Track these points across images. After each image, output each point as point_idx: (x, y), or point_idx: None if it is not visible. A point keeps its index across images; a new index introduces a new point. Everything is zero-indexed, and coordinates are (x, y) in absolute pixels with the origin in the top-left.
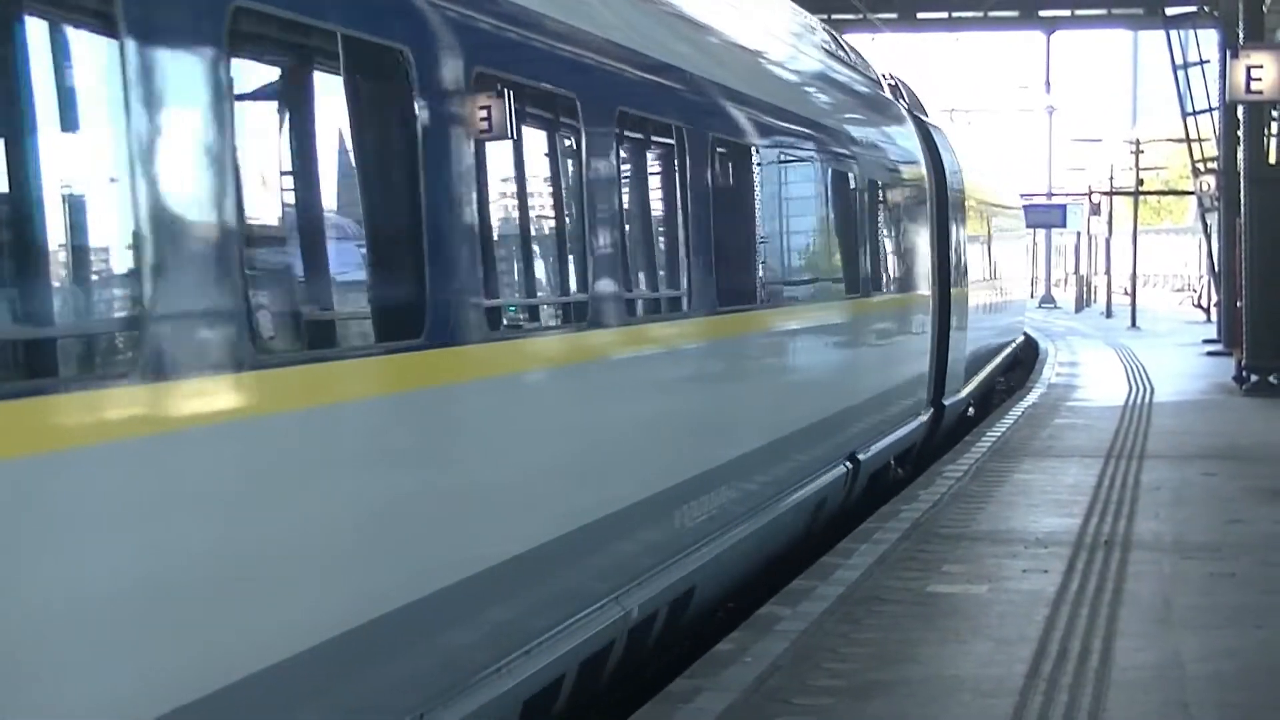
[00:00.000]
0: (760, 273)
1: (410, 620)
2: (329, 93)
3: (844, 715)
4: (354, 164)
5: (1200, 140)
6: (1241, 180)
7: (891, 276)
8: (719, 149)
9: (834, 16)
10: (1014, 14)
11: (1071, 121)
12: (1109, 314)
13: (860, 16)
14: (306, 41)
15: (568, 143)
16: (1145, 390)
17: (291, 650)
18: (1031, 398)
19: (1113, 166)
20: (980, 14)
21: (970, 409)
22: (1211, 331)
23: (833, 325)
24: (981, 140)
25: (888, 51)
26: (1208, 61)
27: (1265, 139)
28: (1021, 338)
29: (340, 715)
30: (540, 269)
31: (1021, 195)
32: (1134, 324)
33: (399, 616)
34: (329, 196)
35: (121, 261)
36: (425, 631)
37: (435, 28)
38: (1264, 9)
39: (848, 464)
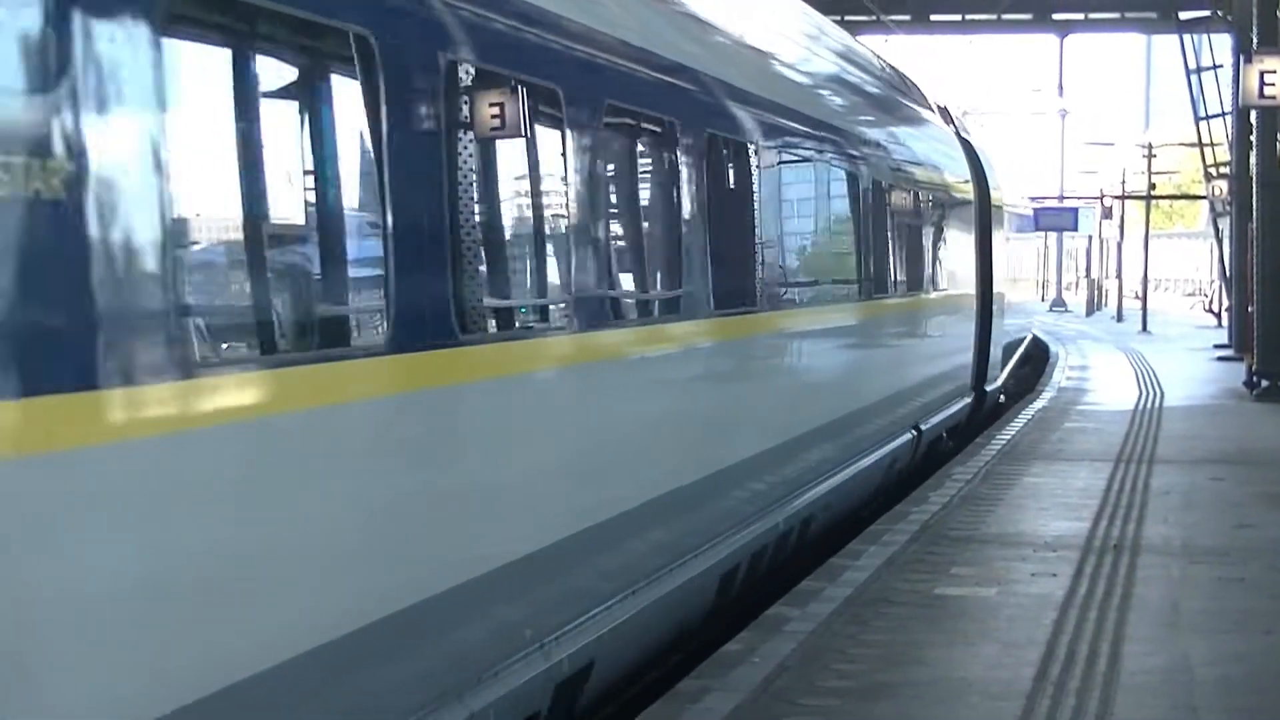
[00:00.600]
0: (862, 274)
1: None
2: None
3: (851, 717)
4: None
5: (1213, 145)
6: (1254, 185)
7: (947, 276)
8: (852, 185)
9: (847, 18)
10: (1027, 17)
11: (1084, 124)
12: (1120, 318)
13: (874, 18)
14: None
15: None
16: (1155, 395)
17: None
18: (1041, 401)
19: (1125, 170)
20: (994, 16)
21: (1002, 397)
22: (1222, 336)
23: (903, 317)
24: (995, 143)
25: (899, 51)
26: (1220, 66)
27: (1277, 144)
28: (1030, 335)
29: (411, 684)
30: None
31: (1033, 198)
32: (1145, 328)
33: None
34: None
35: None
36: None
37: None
38: (1278, 14)
39: (914, 431)
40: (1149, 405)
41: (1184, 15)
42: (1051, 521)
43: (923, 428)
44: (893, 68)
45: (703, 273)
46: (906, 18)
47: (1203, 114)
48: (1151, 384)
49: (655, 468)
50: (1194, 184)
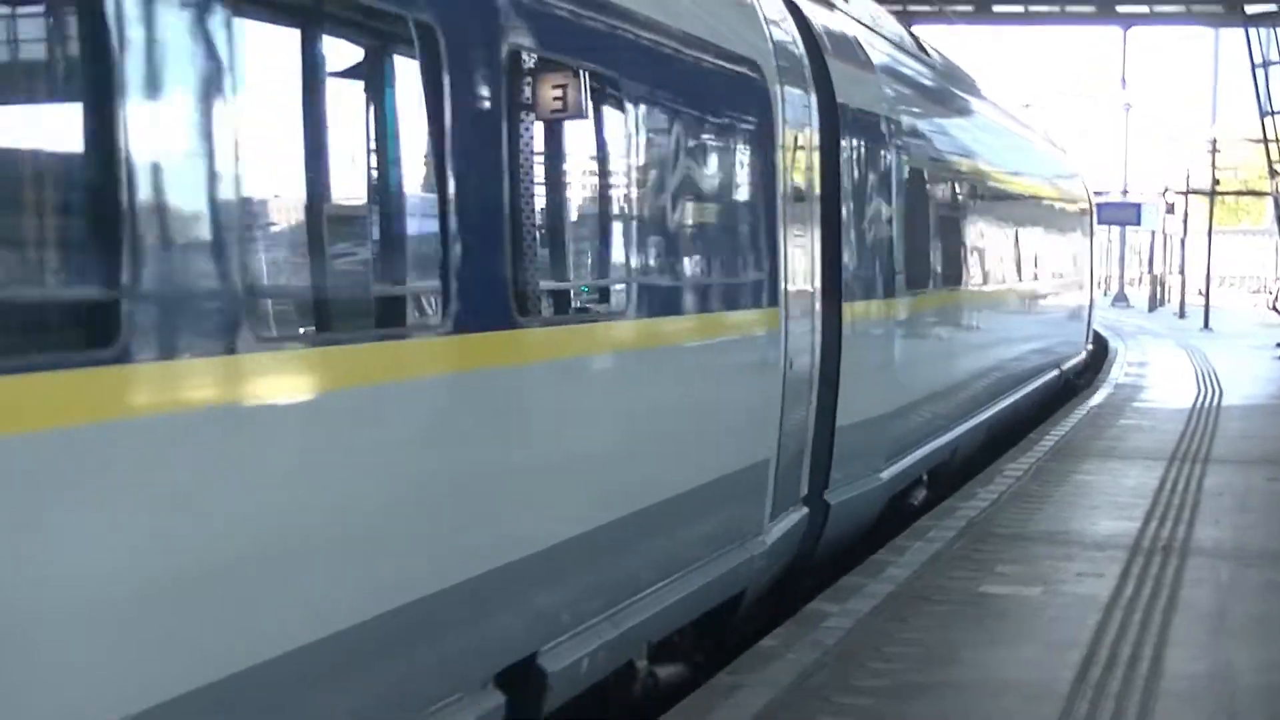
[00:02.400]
0: (1033, 265)
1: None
2: None
3: (885, 715)
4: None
5: (1278, 140)
6: None
7: (1075, 267)
8: (1023, 208)
9: (910, 8)
10: (1091, 9)
11: (1148, 118)
12: (1182, 314)
13: (936, 9)
14: None
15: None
16: (1214, 393)
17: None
18: (1097, 398)
19: (1189, 165)
20: (1057, 8)
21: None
22: None
23: (1055, 294)
24: (1058, 136)
25: (958, 41)
26: None
27: None
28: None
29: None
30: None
31: (1096, 193)
32: (1206, 325)
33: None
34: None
35: None
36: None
37: None
38: None
39: (1058, 370)
40: (1207, 403)
41: (1250, 9)
42: (1101, 520)
43: (1064, 368)
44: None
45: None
46: (969, 9)
47: (1268, 109)
48: (1211, 382)
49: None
50: (1260, 180)
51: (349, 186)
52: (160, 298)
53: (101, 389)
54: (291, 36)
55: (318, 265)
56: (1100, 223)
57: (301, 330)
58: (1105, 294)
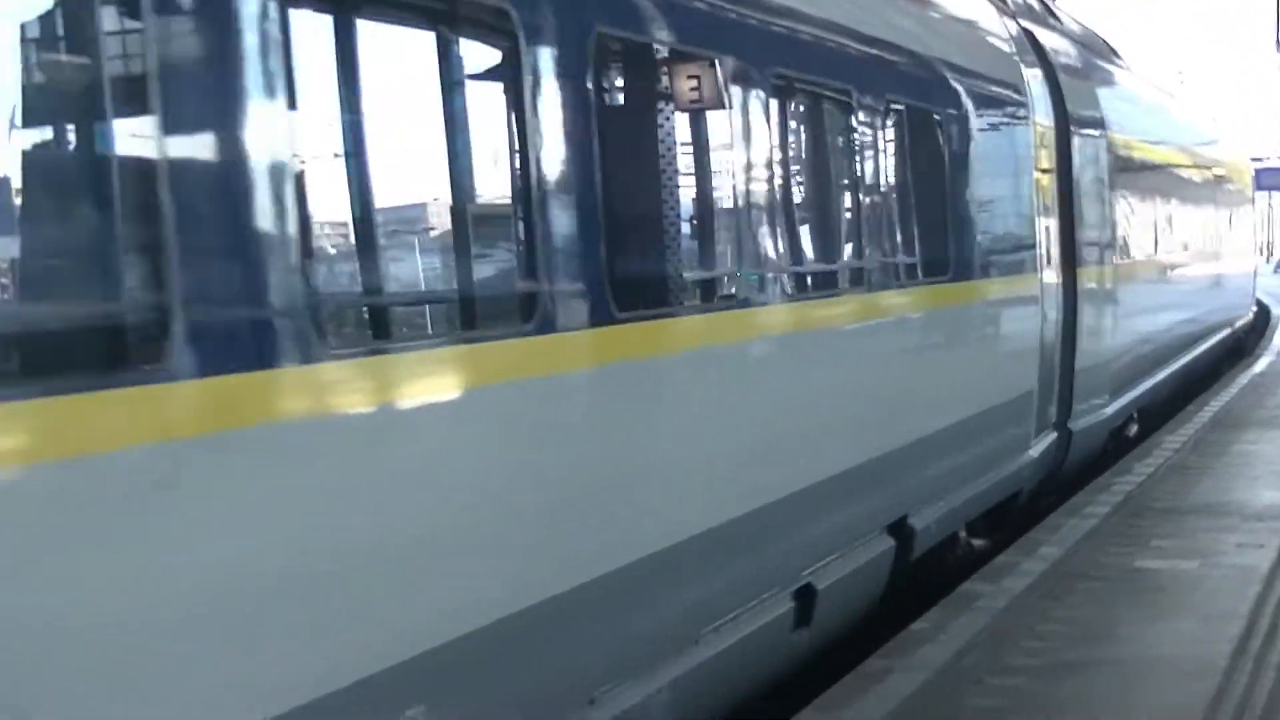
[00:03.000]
0: (1209, 233)
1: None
2: None
3: (1036, 695)
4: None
5: None
6: None
7: (1240, 234)
8: (1197, 181)
9: None
10: None
11: None
12: None
13: None
14: None
15: None
16: None
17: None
18: (1259, 366)
19: None
20: None
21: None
22: None
23: (1228, 259)
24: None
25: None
26: None
27: None
28: None
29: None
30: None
31: (1253, 158)
32: None
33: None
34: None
35: None
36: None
37: None
38: None
39: (1230, 327)
40: None
41: None
42: (1263, 491)
43: (1237, 325)
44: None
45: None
46: None
47: None
48: None
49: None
50: None
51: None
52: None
53: (308, 384)
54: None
55: (522, 257)
56: (1259, 189)
57: (519, 323)
58: (1266, 260)
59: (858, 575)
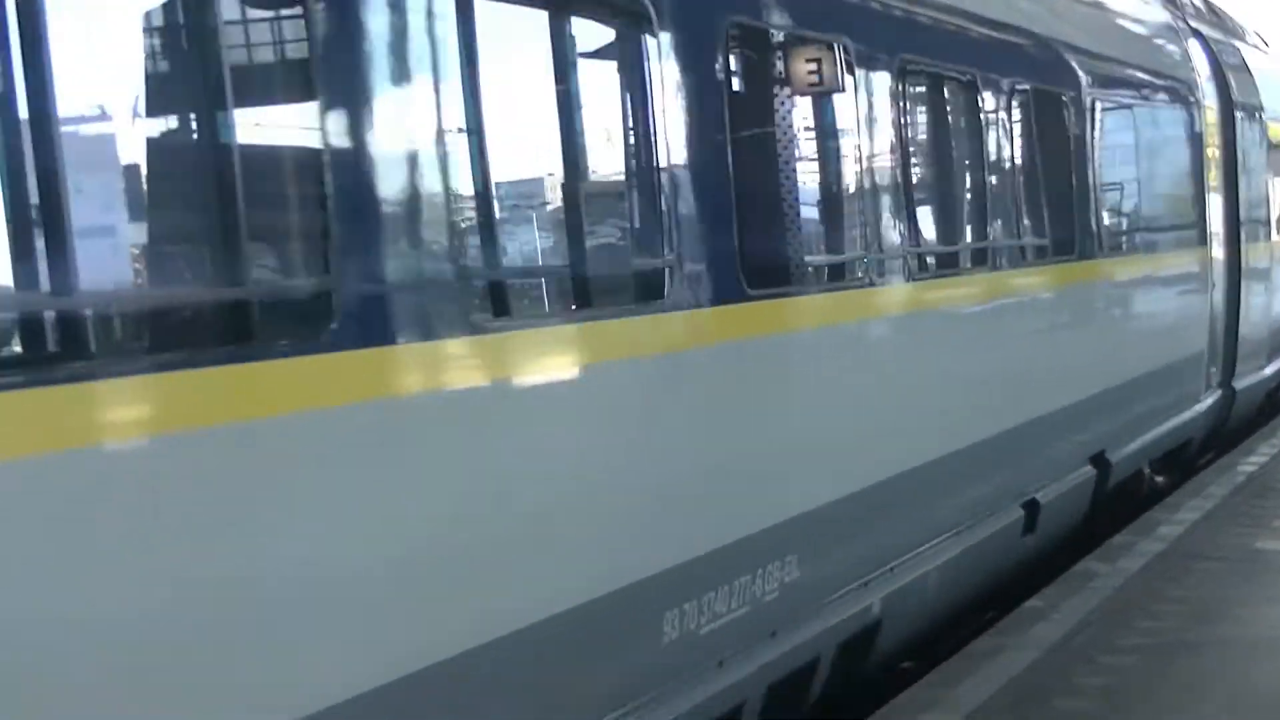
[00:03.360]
0: None
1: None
2: None
3: (1145, 675)
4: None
5: None
6: None
7: None
8: None
9: None
10: None
11: None
12: None
13: None
14: None
15: None
16: None
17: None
18: None
19: None
20: None
21: None
22: None
23: None
24: None
25: None
26: None
27: None
28: None
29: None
30: None
31: None
32: None
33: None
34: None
35: None
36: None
37: None
38: None
39: None
40: None
41: None
42: None
43: None
44: None
45: None
46: None
47: None
48: None
49: None
50: None
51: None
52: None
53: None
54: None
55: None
56: None
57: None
58: None
59: (1068, 496)
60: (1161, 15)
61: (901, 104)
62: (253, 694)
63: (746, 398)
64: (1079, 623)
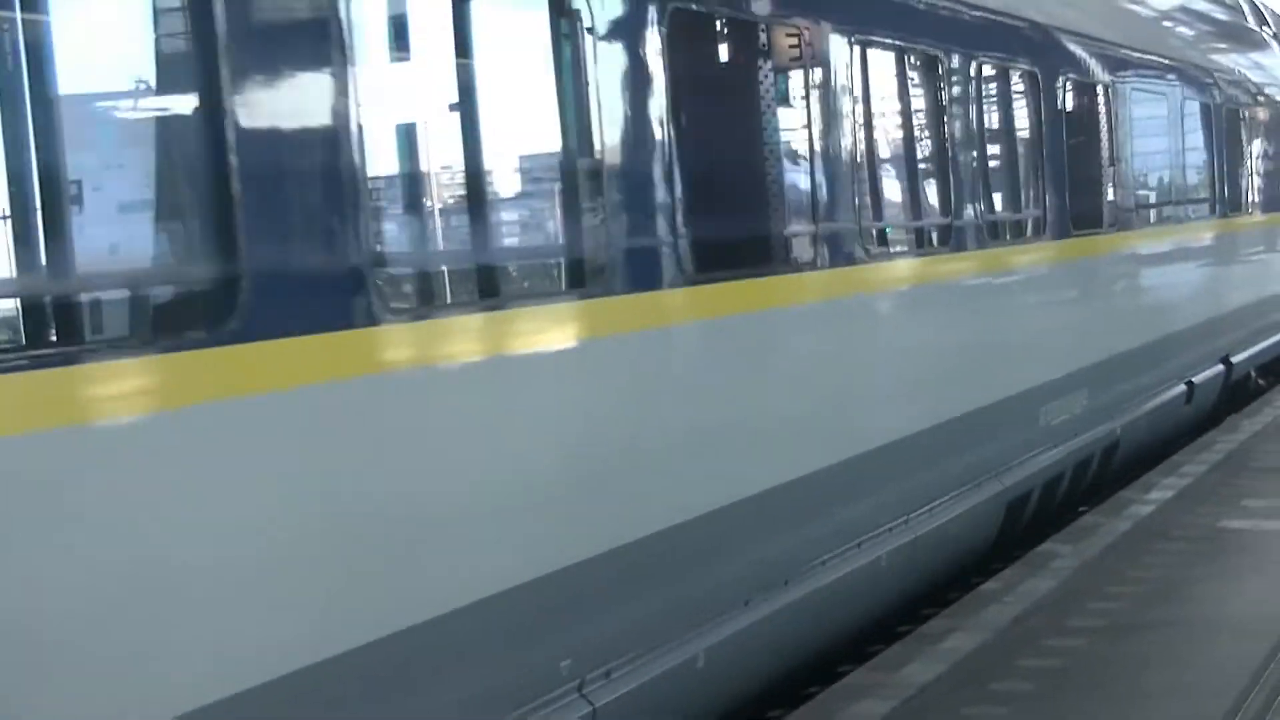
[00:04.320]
0: None
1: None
2: None
3: (1090, 658)
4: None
5: None
6: None
7: None
8: None
9: None
10: None
11: None
12: None
13: None
14: None
15: None
16: None
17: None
18: None
19: None
20: None
21: None
22: None
23: None
24: None
25: None
26: None
27: None
28: None
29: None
30: None
31: None
32: None
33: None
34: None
35: None
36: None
37: None
38: None
39: None
40: None
41: None
42: None
43: None
44: None
45: None
46: None
47: None
48: None
49: None
50: None
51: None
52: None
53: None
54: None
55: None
56: None
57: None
58: None
59: (1209, 382)
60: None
61: None
62: None
63: None
64: (1033, 605)
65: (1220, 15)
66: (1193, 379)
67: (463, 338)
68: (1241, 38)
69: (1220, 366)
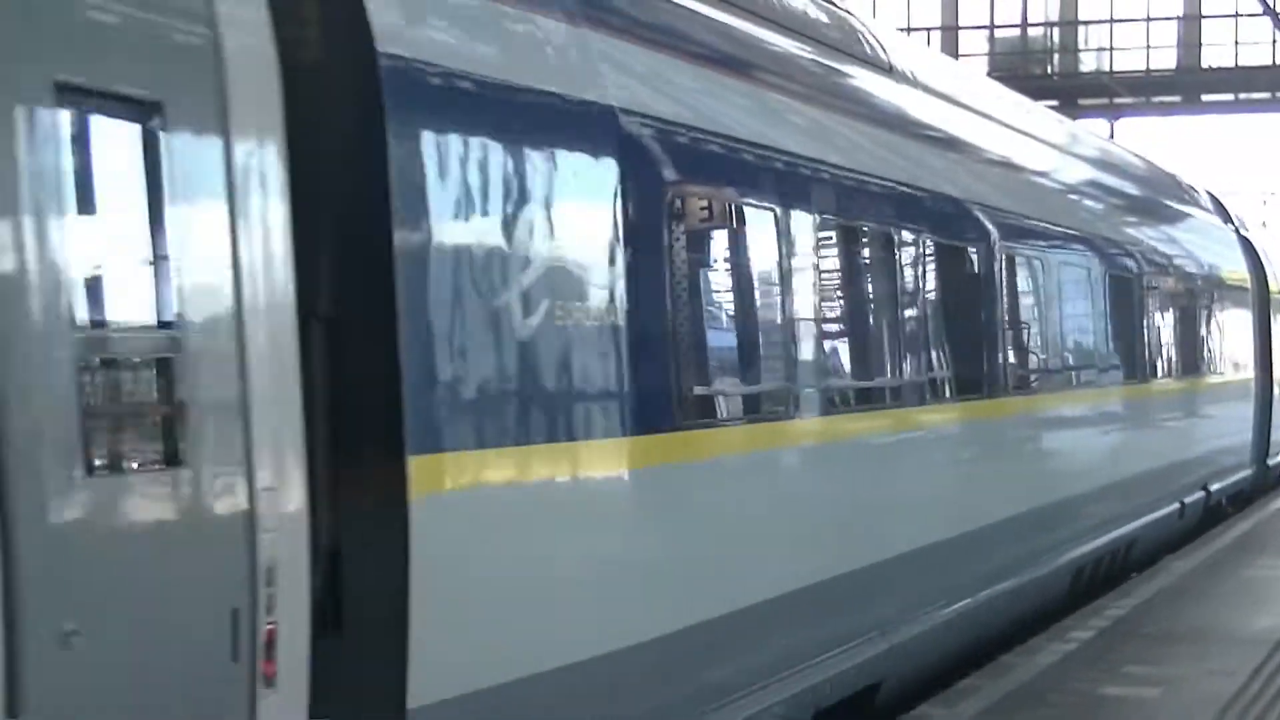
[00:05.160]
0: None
1: None
2: None
3: None
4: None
5: None
6: None
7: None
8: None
9: (1116, 101)
10: None
11: None
12: None
13: (1143, 100)
14: None
15: None
16: None
17: None
18: None
19: None
20: (1269, 95)
21: None
22: None
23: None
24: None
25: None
26: None
27: None
28: None
29: None
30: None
31: None
32: None
33: None
34: None
35: None
36: None
37: None
38: None
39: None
40: None
41: None
42: (1259, 618)
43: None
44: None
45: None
46: (1177, 99)
47: None
48: None
49: None
50: None
51: None
52: None
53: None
54: None
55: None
56: None
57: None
58: None
59: (1195, 502)
60: (1226, 230)
61: None
62: None
63: None
64: None
65: (1151, 191)
66: (1184, 500)
67: None
68: (1164, 211)
69: (1202, 492)
